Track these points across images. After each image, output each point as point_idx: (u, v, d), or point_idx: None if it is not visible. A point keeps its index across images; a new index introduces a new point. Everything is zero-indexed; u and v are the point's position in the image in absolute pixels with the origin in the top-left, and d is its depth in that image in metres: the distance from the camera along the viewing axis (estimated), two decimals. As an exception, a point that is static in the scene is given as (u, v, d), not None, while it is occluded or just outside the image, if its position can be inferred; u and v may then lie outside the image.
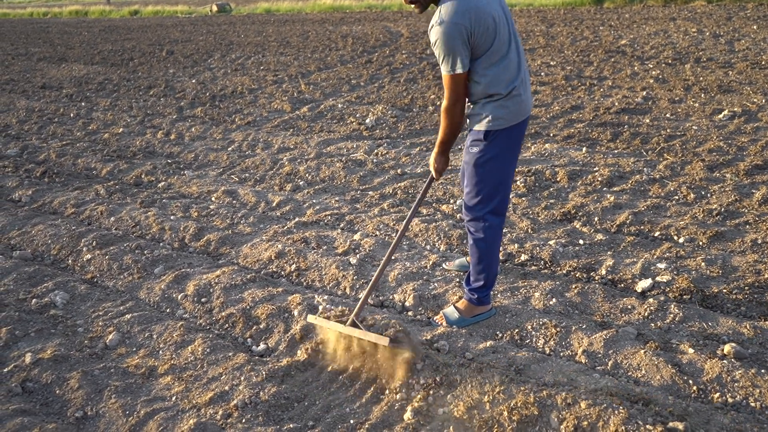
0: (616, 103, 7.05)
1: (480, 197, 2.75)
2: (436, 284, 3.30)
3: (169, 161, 5.98)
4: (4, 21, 34.76)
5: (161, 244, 4.13)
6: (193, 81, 10.32)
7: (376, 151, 5.86)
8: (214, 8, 31.74)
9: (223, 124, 7.35)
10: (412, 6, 2.60)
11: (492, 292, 3.14)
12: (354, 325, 2.65)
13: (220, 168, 5.71)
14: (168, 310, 3.31)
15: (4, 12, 42.69)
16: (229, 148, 6.32)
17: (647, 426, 2.11)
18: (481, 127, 2.64)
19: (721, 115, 6.32)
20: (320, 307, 3.05)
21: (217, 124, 7.37)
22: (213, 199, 4.93)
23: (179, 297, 3.38)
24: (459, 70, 2.49)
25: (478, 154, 2.69)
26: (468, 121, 2.76)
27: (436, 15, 2.47)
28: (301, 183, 5.16)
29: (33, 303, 3.38)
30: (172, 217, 4.48)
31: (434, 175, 2.86)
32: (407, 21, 19.42)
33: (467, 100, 2.69)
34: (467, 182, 2.80)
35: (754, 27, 13.11)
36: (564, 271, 3.42)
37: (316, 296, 3.22)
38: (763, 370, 2.44)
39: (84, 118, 8.02)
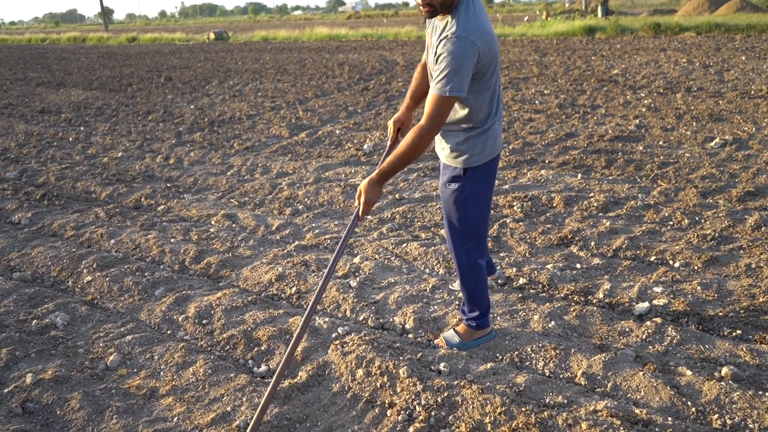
0: (610, 131, 7.17)
1: (462, 233, 2.76)
2: (435, 307, 3.33)
3: (169, 185, 6.02)
4: (2, 46, 35.02)
5: (161, 266, 4.15)
6: (192, 107, 10.42)
7: (374, 176, 5.92)
8: (212, 36, 32.13)
9: (221, 149, 7.42)
10: (423, 8, 2.37)
11: (491, 315, 3.17)
12: None
13: (219, 192, 5.76)
14: (169, 332, 3.32)
15: (2, 38, 43.04)
16: (228, 173, 6.37)
17: (648, 446, 2.13)
18: (459, 164, 2.62)
19: (712, 143, 6.44)
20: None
21: (216, 149, 7.44)
22: (213, 222, 4.96)
23: (180, 319, 3.39)
24: (455, 94, 2.31)
25: (458, 191, 2.67)
26: (443, 154, 2.70)
27: (451, 26, 2.33)
28: (300, 207, 5.20)
29: (33, 324, 3.38)
30: (172, 240, 4.51)
31: (361, 211, 2.54)
32: (402, 50, 19.71)
33: (444, 130, 2.62)
34: (448, 218, 2.78)
35: (743, 58, 13.38)
36: (562, 295, 3.46)
37: (317, 318, 3.24)
38: (760, 392, 2.48)
39: (83, 142, 8.07)
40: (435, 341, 3.06)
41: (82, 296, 3.80)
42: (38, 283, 4.04)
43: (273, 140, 7.72)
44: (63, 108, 10.96)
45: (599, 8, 41.19)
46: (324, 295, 3.56)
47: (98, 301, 3.72)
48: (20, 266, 4.28)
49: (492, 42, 2.39)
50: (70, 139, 8.36)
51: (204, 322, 3.34)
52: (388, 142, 2.90)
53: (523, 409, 2.37)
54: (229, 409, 2.60)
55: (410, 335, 3.15)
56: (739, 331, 3.00)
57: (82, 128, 9.08)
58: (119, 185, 6.03)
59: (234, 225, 4.87)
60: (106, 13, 64.13)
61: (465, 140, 2.58)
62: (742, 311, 3.13)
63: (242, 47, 25.20)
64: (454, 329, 3.04)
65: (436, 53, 2.37)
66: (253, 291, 3.74)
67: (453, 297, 3.45)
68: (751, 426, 2.33)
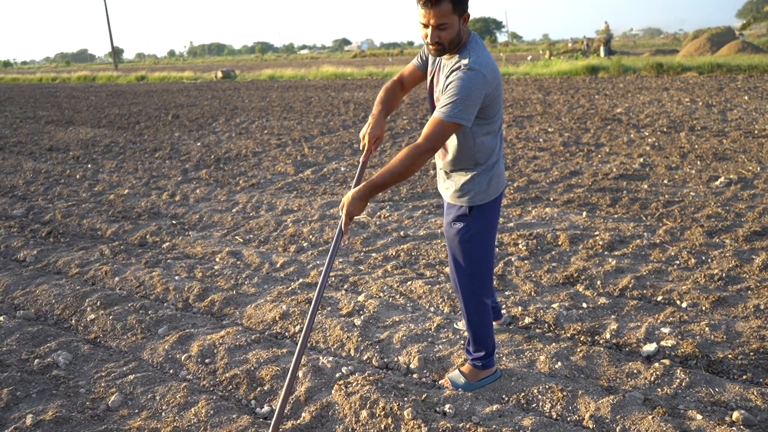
0: (614, 169, 7.19)
1: (468, 273, 2.77)
2: (440, 346, 3.30)
3: (174, 222, 6.05)
4: (13, 86, 35.66)
5: (165, 304, 4.13)
6: (198, 144, 10.53)
7: (378, 213, 5.94)
8: (219, 74, 32.67)
9: (227, 186, 7.47)
10: (432, 46, 2.45)
11: (496, 355, 3.13)
12: None
13: (224, 229, 5.77)
14: (171, 371, 3.29)
15: (14, 77, 43.85)
16: (234, 210, 6.40)
17: (659, 494, 2.08)
18: (464, 202, 2.66)
19: (717, 182, 6.45)
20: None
21: (222, 186, 7.49)
22: (217, 259, 4.96)
23: (183, 358, 3.37)
24: (460, 121, 2.36)
25: (464, 231, 2.69)
26: (448, 194, 2.74)
27: (463, 59, 2.42)
28: (304, 244, 5.21)
29: (35, 363, 3.36)
30: (176, 278, 4.50)
31: (344, 223, 2.55)
32: (407, 88, 19.94)
33: (448, 169, 2.69)
34: (453, 257, 2.79)
35: (746, 97, 13.50)
36: (568, 335, 3.42)
37: (320, 357, 3.20)
38: (773, 437, 2.42)
39: (90, 180, 8.14)
40: (440, 382, 3.02)
41: (85, 335, 3.78)
42: (41, 321, 4.03)
43: (278, 177, 7.78)
44: (71, 145, 11.10)
45: (602, 48, 41.80)
46: (327, 334, 3.53)
47: (101, 340, 3.70)
48: (24, 304, 4.27)
49: (499, 80, 2.48)
50: (78, 176, 8.43)
51: (207, 361, 3.31)
52: (362, 157, 2.87)
53: (531, 454, 2.33)
54: (230, 451, 2.56)
55: (415, 375, 3.11)
56: (749, 374, 2.95)
57: (89, 165, 9.17)
58: (125, 222, 6.05)
59: (238, 262, 4.86)
60: (116, 52, 65.44)
61: (471, 179, 2.63)
62: (751, 353, 3.09)
63: (249, 85, 25.60)
64: (459, 370, 3.00)
65: (446, 85, 2.43)
66: (256, 329, 3.71)
67: (458, 336, 3.41)
68: (764, 473, 2.27)
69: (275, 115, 14.30)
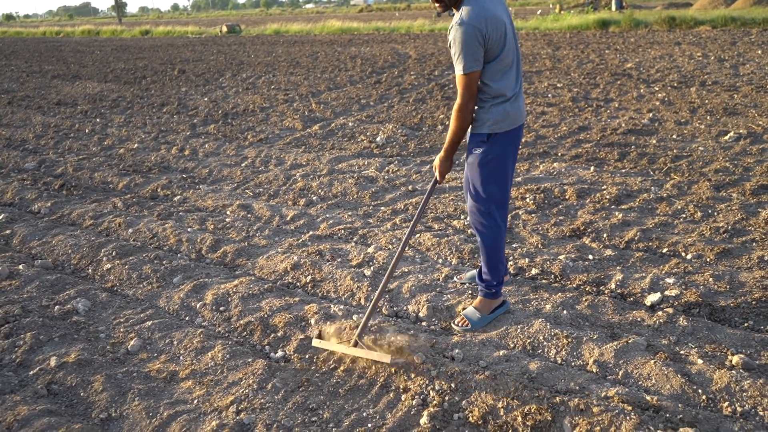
0: (623, 124, 7.16)
1: (486, 195, 2.95)
2: (448, 296, 3.38)
3: (184, 176, 6.10)
4: (17, 39, 35.33)
5: (179, 255, 4.22)
6: (206, 99, 10.50)
7: (387, 168, 5.97)
8: (224, 29, 32.23)
9: (235, 140, 7.49)
10: (436, 4, 2.78)
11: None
12: (356, 344, 2.78)
13: (234, 183, 5.83)
14: (187, 318, 3.39)
15: (17, 30, 43.39)
16: (243, 164, 6.44)
17: (658, 431, 2.17)
18: (483, 129, 2.86)
19: (726, 137, 6.42)
20: (327, 324, 3.11)
21: (230, 140, 7.51)
22: (228, 212, 5.03)
23: (198, 306, 3.47)
24: (472, 69, 2.65)
25: (482, 155, 2.89)
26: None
27: (456, 16, 2.68)
28: (314, 198, 5.26)
29: (56, 310, 3.46)
30: (188, 230, 4.58)
31: (438, 178, 3.03)
32: (415, 43, 19.69)
33: None
34: (472, 184, 2.98)
35: (759, 52, 13.26)
36: (574, 285, 3.50)
37: (332, 306, 3.30)
38: (770, 381, 2.50)
39: (99, 134, 8.17)
40: (456, 321, 3.11)
41: (102, 283, 3.89)
42: (59, 270, 4.13)
43: (286, 132, 7.79)
44: (79, 100, 11.09)
45: (613, 2, 40.77)
46: (338, 284, 3.62)
47: (118, 288, 3.80)
48: (41, 254, 4.37)
49: (497, 22, 2.67)
50: (87, 130, 8.46)
51: (221, 309, 3.41)
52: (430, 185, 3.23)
53: (536, 395, 2.42)
54: (247, 391, 2.67)
55: (424, 323, 3.20)
56: (750, 322, 3.02)
57: (98, 120, 9.18)
58: (136, 176, 6.11)
59: (249, 215, 4.93)
60: (119, 6, 64.45)
61: (487, 110, 2.82)
62: (754, 302, 3.16)
63: (255, 40, 25.27)
64: (472, 306, 3.15)
65: (449, 44, 2.73)
66: (268, 279, 3.80)
67: (466, 286, 3.49)
68: (761, 413, 2.36)
69: (281, 70, 14.18)
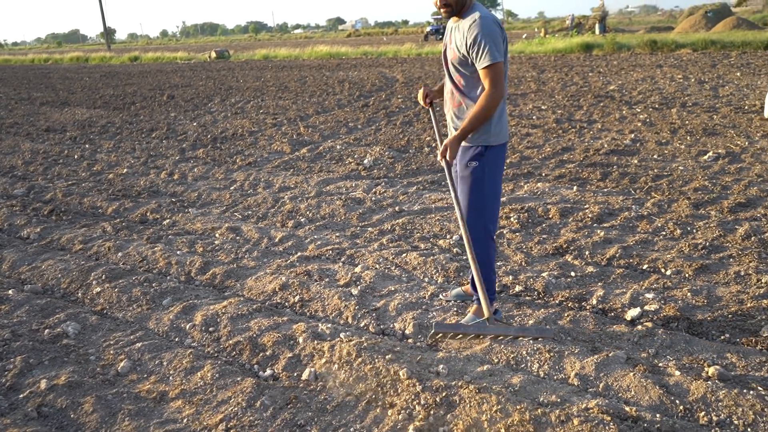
0: (606, 145, 7.31)
1: (482, 209, 3.07)
2: (434, 313, 3.45)
3: (174, 200, 6.16)
4: (6, 67, 35.42)
5: (168, 277, 4.27)
6: (194, 124, 10.60)
7: (374, 189, 6.06)
8: (213, 54, 32.51)
9: (224, 164, 7.57)
10: (442, 9, 2.93)
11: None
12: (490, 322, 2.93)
13: (223, 206, 5.89)
14: (177, 339, 3.43)
15: (5, 58, 43.49)
16: (232, 188, 6.51)
17: (636, 440, 2.24)
18: (481, 142, 3.00)
19: (706, 156, 6.58)
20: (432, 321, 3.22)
21: (219, 164, 7.59)
22: (217, 235, 5.09)
23: (187, 327, 3.51)
24: (499, 58, 2.83)
25: (479, 169, 3.02)
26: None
27: (472, 18, 2.88)
28: (302, 220, 5.33)
29: (46, 333, 3.49)
30: (178, 252, 4.63)
31: (449, 157, 3.04)
32: (402, 67, 19.97)
33: (461, 111, 3.06)
34: (468, 198, 3.08)
35: (738, 74, 13.58)
36: (557, 301, 3.58)
37: (320, 325, 3.35)
38: (745, 390, 2.58)
39: (88, 160, 8.22)
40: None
41: (92, 306, 3.92)
42: (49, 294, 4.16)
43: (275, 156, 7.88)
44: (68, 126, 11.14)
45: (597, 25, 41.52)
46: (325, 303, 3.68)
47: (107, 311, 3.84)
48: (31, 279, 4.40)
49: (504, 32, 2.93)
50: (76, 156, 8.51)
51: (210, 329, 3.45)
52: (429, 110, 3.42)
53: (518, 407, 2.48)
54: (236, 409, 2.71)
55: (410, 340, 3.26)
56: (727, 335, 3.11)
57: (87, 146, 9.24)
58: (125, 200, 6.16)
59: (238, 237, 4.99)
60: (108, 32, 64.81)
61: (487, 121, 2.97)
62: (730, 316, 3.25)
63: (243, 65, 25.51)
64: (472, 313, 3.28)
65: (466, 44, 2.88)
66: (257, 300, 3.85)
67: (452, 303, 3.56)
68: (736, 422, 2.43)
69: (270, 94, 14.33)
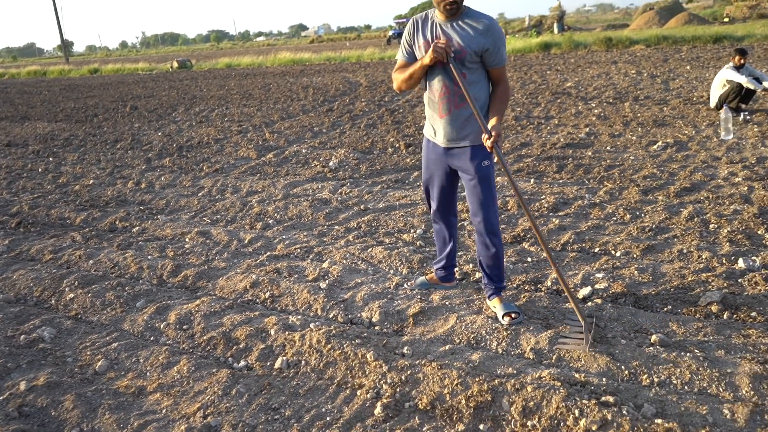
0: (562, 139, 7.61)
1: (495, 204, 3.27)
2: (399, 301, 3.63)
3: (142, 208, 6.23)
4: (-40, 83, 34.56)
5: (140, 281, 4.36)
6: (159, 134, 10.62)
7: (340, 190, 6.23)
8: (175, 64, 32.29)
9: (191, 172, 7.65)
10: (448, 7, 2.97)
11: (452, 304, 3.49)
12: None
13: (192, 212, 5.99)
14: (152, 338, 3.55)
15: (-40, 74, 42.41)
16: (200, 194, 6.60)
17: (583, 401, 2.45)
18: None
19: (655, 146, 6.91)
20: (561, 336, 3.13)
21: (186, 172, 7.66)
22: (187, 239, 5.19)
23: (162, 326, 3.62)
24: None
25: (491, 167, 3.18)
26: (472, 137, 3.15)
27: (484, 18, 3.02)
28: (270, 221, 5.47)
29: (22, 339, 3.57)
30: (149, 257, 4.73)
31: (498, 142, 3.02)
32: (365, 71, 20.17)
33: (482, 113, 3.08)
34: (485, 199, 3.21)
35: (688, 67, 14.12)
36: (514, 285, 3.79)
37: (290, 317, 3.50)
38: (683, 353, 2.82)
39: (53, 172, 8.21)
40: (506, 322, 3.23)
41: (66, 312, 4.00)
42: (22, 302, 4.22)
43: (241, 162, 7.99)
44: (30, 140, 11.05)
45: (555, 25, 42.30)
46: (295, 298, 3.83)
47: (82, 316, 3.93)
48: (3, 289, 4.45)
49: None
50: (40, 170, 8.49)
51: (185, 327, 3.58)
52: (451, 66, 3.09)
53: (477, 380, 2.68)
54: (213, 398, 2.85)
55: (377, 327, 3.43)
56: (669, 307, 3.36)
57: (50, 159, 9.21)
58: (93, 210, 6.21)
59: (208, 241, 5.11)
60: (66, 45, 63.65)
61: (488, 119, 3.11)
62: (672, 289, 3.50)
63: (206, 74, 25.43)
64: (499, 305, 3.33)
65: (484, 43, 2.99)
66: (229, 298, 3.98)
67: (416, 292, 3.75)
68: (674, 382, 2.67)
69: (234, 102, 14.39)
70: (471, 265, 4.09)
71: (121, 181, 7.42)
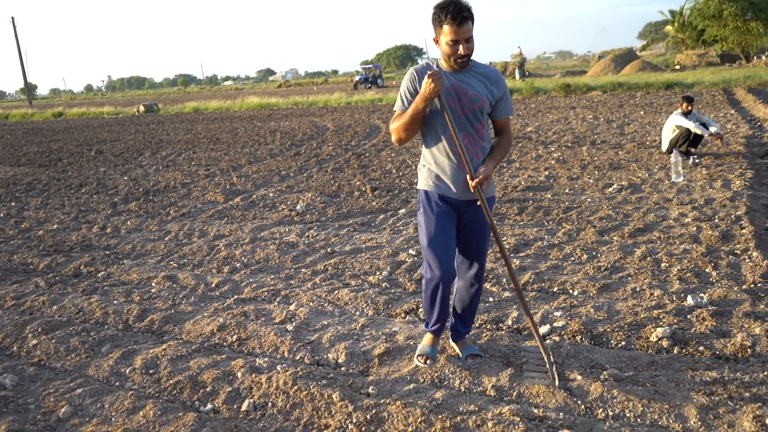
0: (523, 182, 7.87)
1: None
2: (365, 342, 3.70)
3: (107, 252, 6.21)
4: None
5: (106, 326, 4.35)
6: (125, 178, 10.60)
7: (307, 233, 6.32)
8: (142, 108, 32.27)
9: (158, 216, 7.65)
10: (460, 60, 2.92)
11: (416, 344, 3.58)
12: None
13: (158, 256, 5.99)
14: (117, 383, 3.54)
15: None
16: (166, 238, 6.61)
17: (541, 435, 2.55)
18: (492, 191, 3.22)
19: (611, 189, 7.20)
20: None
21: (153, 216, 7.67)
22: (153, 284, 5.19)
23: (127, 371, 3.62)
24: None
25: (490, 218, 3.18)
26: (484, 188, 3.02)
27: (492, 69, 3.11)
28: (237, 265, 5.51)
29: (-18, 387, 3.52)
30: (114, 302, 4.72)
31: (485, 187, 2.99)
32: (332, 116, 20.50)
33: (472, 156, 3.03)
34: (485, 249, 3.31)
35: (641, 113, 14.75)
36: (477, 324, 3.90)
37: (257, 360, 3.54)
38: (635, 387, 2.96)
39: (15, 217, 8.12)
40: (469, 362, 3.34)
41: (29, 359, 3.96)
42: (-18, 350, 4.16)
43: (209, 206, 8.03)
44: (-9, 185, 10.90)
45: (516, 71, 43.71)
46: (262, 340, 3.87)
47: (45, 362, 3.89)
48: (-38, 336, 4.37)
49: None
50: (1, 215, 8.38)
51: (151, 371, 3.58)
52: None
53: (440, 417, 2.76)
54: (179, 442, 2.86)
55: (343, 368, 3.49)
56: (623, 343, 3.51)
57: (13, 204, 9.10)
58: (57, 255, 6.16)
59: (174, 285, 5.12)
60: (29, 88, 63.13)
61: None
62: (626, 326, 3.66)
63: (173, 118, 25.47)
64: (466, 346, 3.45)
65: (496, 92, 3.04)
66: (196, 342, 4.00)
67: (380, 332, 3.83)
68: (628, 414, 2.79)
69: (202, 146, 14.45)
70: (435, 305, 4.19)
71: (86, 226, 7.38)
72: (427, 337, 3.45)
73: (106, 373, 3.64)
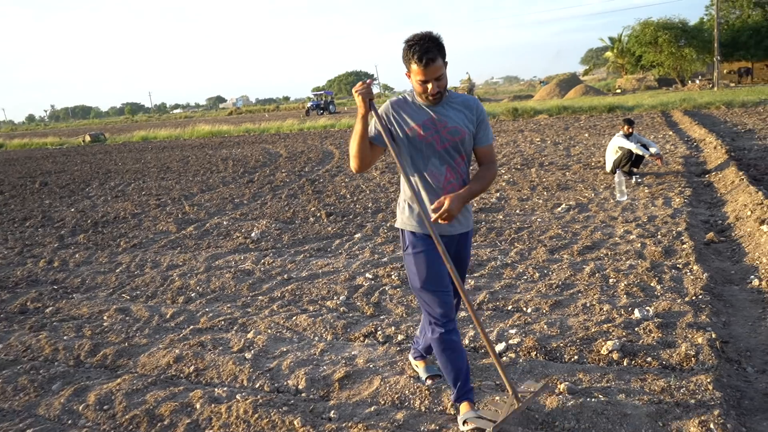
0: (475, 204, 8.03)
1: None
2: (325, 367, 3.71)
3: (55, 287, 6.03)
4: None
5: (56, 363, 4.22)
6: (72, 210, 10.34)
7: (263, 260, 6.29)
8: (88, 138, 31.53)
9: (108, 248, 7.48)
10: (431, 97, 2.79)
11: (376, 366, 3.60)
12: (520, 399, 2.88)
13: (109, 289, 5.86)
14: (70, 422, 3.43)
15: None
16: (117, 270, 6.47)
17: (501, 450, 2.61)
18: (471, 224, 3.09)
19: (559, 209, 7.43)
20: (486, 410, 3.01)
21: (102, 248, 7.49)
22: (105, 317, 5.07)
23: (80, 408, 3.52)
24: None
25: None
26: (465, 220, 2.98)
27: (469, 98, 2.95)
28: (192, 295, 5.44)
29: (-76, 431, 3.37)
30: (64, 338, 4.58)
31: (446, 217, 2.74)
32: (285, 142, 20.49)
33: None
34: (463, 278, 3.19)
35: (586, 135, 15.27)
36: (435, 345, 3.96)
37: (216, 389, 3.50)
38: (588, 399, 3.06)
39: (-45, 254, 7.80)
40: (427, 381, 3.39)
41: (-26, 400, 3.80)
42: (-77, 393, 3.97)
43: (161, 236, 7.90)
44: (-72, 221, 10.44)
45: (465, 96, 44.24)
46: (221, 370, 3.83)
47: (-8, 403, 3.74)
48: None
49: None
50: (-59, 251, 8.04)
51: (105, 407, 3.49)
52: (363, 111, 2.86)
53: (402, 438, 2.79)
54: (137, 477, 2.80)
55: (303, 394, 3.49)
56: (576, 357, 3.62)
57: (-48, 239, 8.74)
58: (1, 292, 5.95)
59: (127, 317, 5.01)
60: (-33, 120, 60.75)
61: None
62: (578, 341, 3.78)
63: (121, 148, 24.98)
64: (421, 367, 3.49)
65: (476, 121, 2.90)
66: (152, 375, 3.92)
67: (340, 356, 3.84)
68: (582, 426, 2.88)
69: (152, 176, 14.22)
70: (393, 327, 4.24)
71: (31, 260, 7.15)
72: (465, 406, 2.99)
73: (58, 411, 3.53)
